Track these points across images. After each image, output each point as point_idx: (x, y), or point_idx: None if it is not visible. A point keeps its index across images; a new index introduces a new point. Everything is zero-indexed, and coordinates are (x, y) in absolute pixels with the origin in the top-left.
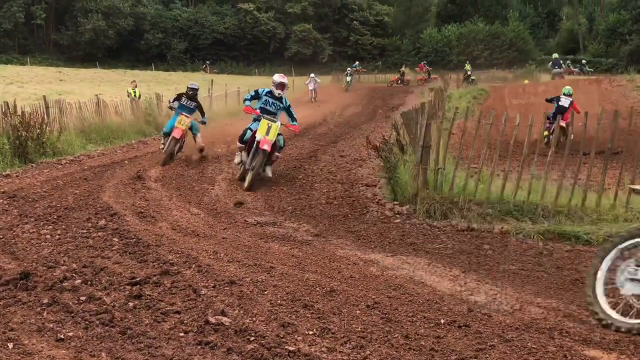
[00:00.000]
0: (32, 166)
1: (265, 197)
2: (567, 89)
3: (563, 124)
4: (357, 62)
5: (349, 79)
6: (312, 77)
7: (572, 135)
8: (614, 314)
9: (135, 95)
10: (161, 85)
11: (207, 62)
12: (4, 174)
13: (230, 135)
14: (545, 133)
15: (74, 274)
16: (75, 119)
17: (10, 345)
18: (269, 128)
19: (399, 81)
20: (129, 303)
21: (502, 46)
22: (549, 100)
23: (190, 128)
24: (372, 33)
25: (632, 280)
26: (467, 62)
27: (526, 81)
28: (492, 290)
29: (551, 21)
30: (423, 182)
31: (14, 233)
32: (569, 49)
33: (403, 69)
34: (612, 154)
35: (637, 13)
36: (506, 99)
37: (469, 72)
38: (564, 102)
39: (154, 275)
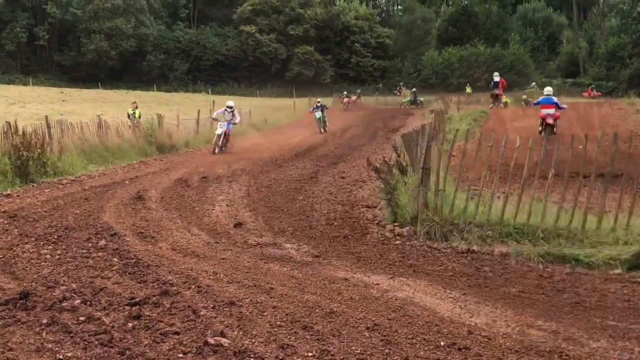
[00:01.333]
0: (33, 186)
1: (266, 218)
2: (496, 73)
3: (496, 92)
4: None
5: (318, 115)
6: (230, 109)
7: (504, 97)
8: None
9: (135, 116)
10: (163, 106)
11: (401, 83)
12: (5, 193)
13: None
14: (491, 98)
15: (73, 294)
16: (77, 139)
17: None
18: None
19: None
20: (128, 323)
21: (503, 69)
22: (491, 85)
23: None
24: (374, 55)
25: None
26: (468, 84)
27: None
28: (492, 313)
29: (551, 44)
30: (423, 203)
31: (14, 253)
32: (570, 72)
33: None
34: (612, 177)
35: (638, 37)
36: (507, 122)
37: (415, 92)
38: (496, 79)
39: (154, 296)
